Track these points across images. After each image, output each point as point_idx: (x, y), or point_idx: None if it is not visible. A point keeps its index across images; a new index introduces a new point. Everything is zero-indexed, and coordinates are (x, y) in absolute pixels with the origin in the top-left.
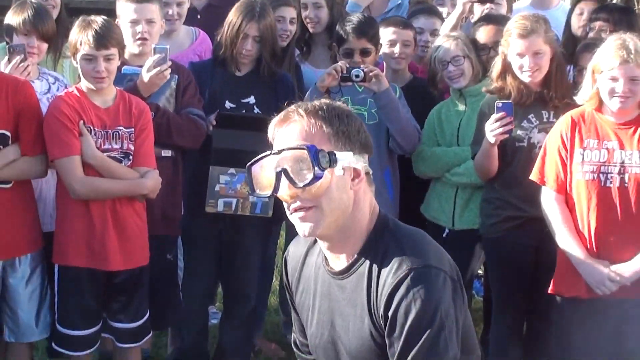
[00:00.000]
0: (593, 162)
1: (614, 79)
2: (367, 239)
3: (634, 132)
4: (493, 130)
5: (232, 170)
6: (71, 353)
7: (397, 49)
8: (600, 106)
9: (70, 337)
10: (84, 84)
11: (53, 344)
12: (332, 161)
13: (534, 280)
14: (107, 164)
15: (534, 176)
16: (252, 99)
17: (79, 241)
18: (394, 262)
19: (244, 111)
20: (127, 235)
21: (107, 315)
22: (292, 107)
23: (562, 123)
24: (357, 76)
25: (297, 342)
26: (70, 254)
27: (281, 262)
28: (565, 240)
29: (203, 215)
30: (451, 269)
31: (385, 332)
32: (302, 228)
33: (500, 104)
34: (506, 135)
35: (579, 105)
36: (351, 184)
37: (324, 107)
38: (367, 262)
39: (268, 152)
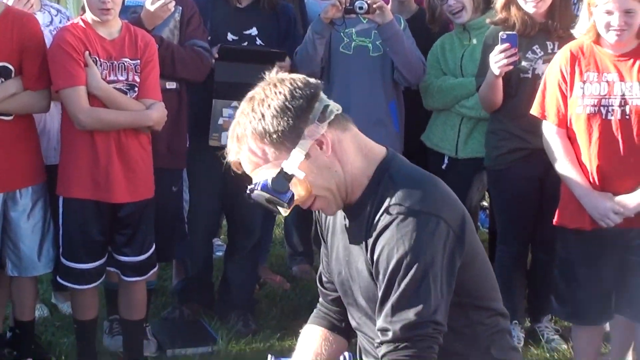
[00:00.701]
0: (593, 96)
1: (609, 13)
2: (369, 183)
3: (633, 63)
4: (497, 61)
5: (235, 103)
6: (76, 286)
7: None
8: (598, 39)
9: (75, 270)
10: (89, 16)
11: (58, 278)
12: (287, 177)
13: (538, 211)
14: (112, 95)
15: (534, 110)
16: (254, 31)
17: (83, 173)
18: (385, 207)
19: (246, 43)
20: (132, 167)
21: (112, 249)
22: (230, 130)
23: (561, 57)
24: (360, 8)
25: (322, 277)
26: (74, 186)
27: None
28: (568, 174)
29: (207, 149)
30: (452, 216)
31: (373, 272)
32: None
33: (505, 36)
34: (510, 67)
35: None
36: (321, 154)
37: (254, 115)
38: (368, 206)
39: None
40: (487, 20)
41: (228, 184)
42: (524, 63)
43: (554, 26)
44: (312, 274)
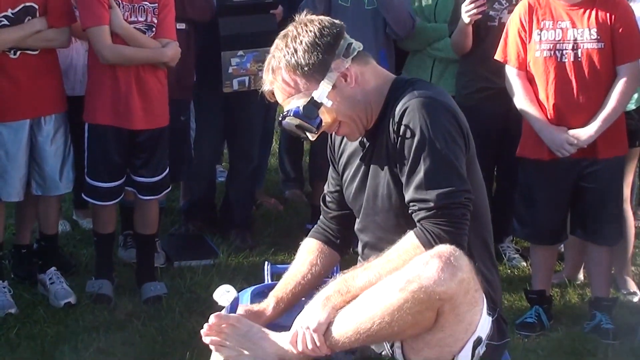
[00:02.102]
0: (549, 41)
1: None
2: (386, 98)
3: (584, 12)
4: (468, 11)
5: (240, 52)
6: (99, 202)
7: None
8: None
9: (98, 188)
10: None
11: (83, 195)
12: (316, 105)
13: (501, 144)
14: (132, 34)
15: (498, 56)
16: None
17: (106, 102)
18: (407, 95)
19: None
20: (149, 98)
21: (130, 171)
22: (266, 63)
23: (520, 7)
24: None
25: (326, 197)
26: (98, 114)
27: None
28: (528, 109)
29: (212, 84)
30: (463, 119)
31: (398, 161)
32: (346, 138)
33: None
34: (479, 16)
35: None
36: (346, 85)
37: (287, 50)
38: (388, 114)
39: (280, 119)
40: None
41: (229, 115)
42: (491, 13)
43: None
44: (302, 198)
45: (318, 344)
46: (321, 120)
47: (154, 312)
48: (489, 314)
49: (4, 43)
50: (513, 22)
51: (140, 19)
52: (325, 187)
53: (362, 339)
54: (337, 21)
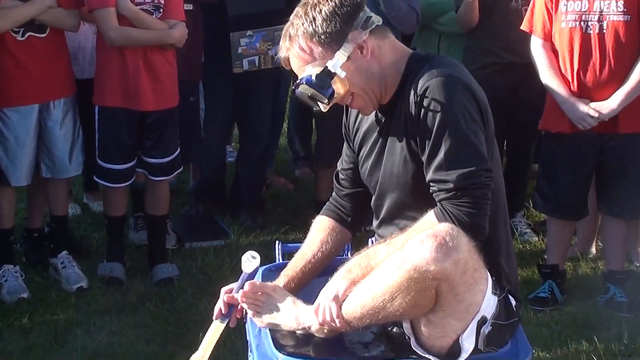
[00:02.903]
0: (575, 12)
1: None
2: (403, 74)
3: None
4: None
5: (249, 32)
6: (110, 185)
7: None
8: None
9: (110, 170)
10: None
11: (94, 177)
12: (330, 75)
13: (511, 119)
14: (139, 16)
15: (524, 26)
16: None
17: (115, 84)
18: (427, 74)
19: None
20: (158, 79)
21: (141, 152)
22: (284, 30)
23: None
24: None
25: (340, 174)
26: (107, 95)
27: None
28: (551, 82)
29: (222, 65)
30: (480, 90)
31: (418, 140)
32: (359, 112)
33: None
34: None
35: None
36: (361, 57)
37: (306, 17)
38: (406, 90)
39: (294, 87)
40: None
41: (239, 96)
42: None
43: None
44: (312, 176)
45: (335, 315)
46: (333, 91)
47: (165, 294)
48: (494, 294)
49: (17, 20)
50: None
51: (147, 0)
52: (339, 164)
53: (369, 317)
54: None
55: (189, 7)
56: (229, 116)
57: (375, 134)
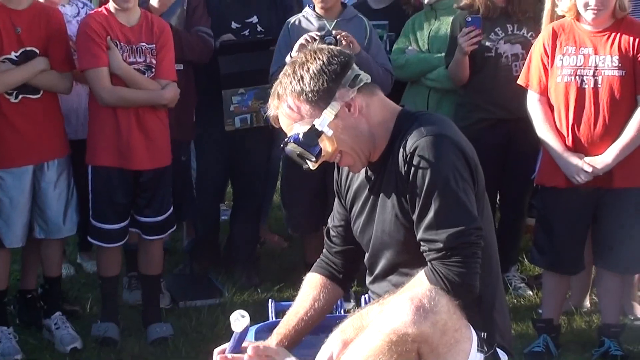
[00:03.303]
0: (571, 66)
1: None
2: (392, 133)
3: (607, 39)
4: (464, 41)
5: (241, 90)
6: (104, 244)
7: None
8: (578, 16)
9: (104, 230)
10: (112, 5)
11: (88, 237)
12: (317, 133)
13: (503, 174)
14: (132, 75)
15: (520, 81)
16: (255, 19)
17: (107, 144)
18: (416, 132)
19: (247, 30)
20: (150, 138)
21: (134, 211)
22: (273, 88)
23: (544, 33)
24: (329, 43)
25: (330, 231)
26: (101, 155)
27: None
28: (546, 136)
29: (214, 124)
30: (468, 147)
31: (409, 198)
32: (348, 169)
33: (470, 18)
34: (476, 46)
35: (541, 18)
36: (349, 115)
37: (294, 76)
38: (396, 148)
39: (282, 145)
40: (455, 5)
41: (233, 154)
42: (487, 43)
43: (513, 10)
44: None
45: None
46: (321, 149)
47: (160, 354)
48: (479, 351)
49: (9, 83)
50: (537, 48)
51: (139, 59)
52: (330, 221)
53: None
54: (346, 51)
55: (180, 67)
56: (222, 174)
57: (366, 191)
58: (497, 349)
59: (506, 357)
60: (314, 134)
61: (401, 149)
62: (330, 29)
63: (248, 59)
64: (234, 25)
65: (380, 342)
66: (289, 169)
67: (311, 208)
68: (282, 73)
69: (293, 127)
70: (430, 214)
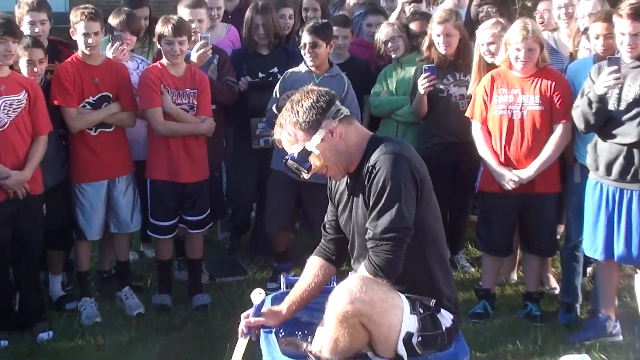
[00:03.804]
0: (504, 103)
1: (518, 50)
2: (364, 152)
3: (532, 83)
4: (422, 84)
5: (264, 119)
6: (160, 237)
7: (340, 41)
8: (511, 66)
9: (159, 226)
10: (165, 61)
11: (148, 231)
12: (308, 153)
13: (453, 184)
14: (179, 113)
15: (467, 113)
16: (275, 69)
17: (162, 163)
18: (378, 150)
19: (271, 78)
20: (193, 158)
21: (181, 212)
22: (277, 119)
23: (485, 78)
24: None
25: (326, 224)
26: (156, 172)
27: None
28: (485, 154)
29: (245, 150)
30: (418, 162)
31: (367, 196)
32: (332, 178)
33: (427, 67)
34: (431, 88)
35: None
36: (332, 139)
37: (292, 111)
38: (366, 163)
39: (284, 161)
40: (417, 59)
41: (261, 167)
42: (441, 86)
43: (459, 62)
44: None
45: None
46: (311, 164)
47: (202, 317)
48: (412, 314)
49: (90, 122)
50: (479, 89)
51: (184, 101)
52: (325, 217)
53: (340, 355)
54: (331, 91)
55: (213, 107)
56: (253, 187)
57: (346, 194)
58: (443, 310)
59: (451, 316)
60: (305, 154)
61: (366, 163)
62: (317, 82)
63: (268, 95)
64: (260, 75)
65: (333, 324)
66: (271, 181)
67: (284, 213)
68: (284, 108)
69: (291, 148)
70: (375, 211)
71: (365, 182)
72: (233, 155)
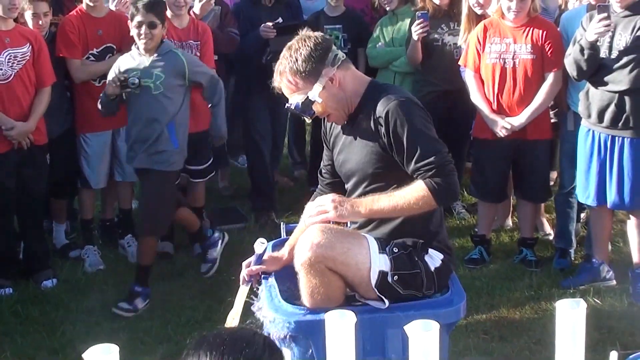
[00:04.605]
0: (496, 52)
1: (510, 0)
2: (362, 96)
3: (523, 32)
4: (416, 31)
5: None
6: None
7: None
8: (503, 15)
9: None
10: (169, 13)
11: None
12: (310, 102)
13: (448, 130)
14: None
15: (460, 62)
16: (280, 20)
17: None
18: (384, 99)
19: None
20: (195, 109)
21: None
22: (276, 66)
23: (478, 27)
24: None
25: (322, 169)
26: None
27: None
28: (478, 102)
29: (256, 94)
30: (424, 109)
31: (394, 147)
32: (334, 123)
33: (419, 14)
34: (424, 34)
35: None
36: (332, 86)
37: (291, 59)
38: (367, 108)
39: (286, 108)
40: (412, 9)
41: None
42: (435, 36)
43: (453, 12)
44: (307, 176)
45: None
46: (314, 112)
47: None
48: (381, 253)
49: (94, 73)
50: (472, 38)
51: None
52: (322, 163)
53: (328, 304)
54: (327, 36)
55: (215, 57)
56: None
57: (342, 137)
58: (431, 250)
59: (441, 256)
60: (309, 102)
61: (374, 112)
62: (148, 64)
63: (289, 41)
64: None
65: (303, 277)
66: None
67: None
68: (282, 55)
69: (292, 96)
70: (418, 151)
71: (384, 130)
72: (241, 107)
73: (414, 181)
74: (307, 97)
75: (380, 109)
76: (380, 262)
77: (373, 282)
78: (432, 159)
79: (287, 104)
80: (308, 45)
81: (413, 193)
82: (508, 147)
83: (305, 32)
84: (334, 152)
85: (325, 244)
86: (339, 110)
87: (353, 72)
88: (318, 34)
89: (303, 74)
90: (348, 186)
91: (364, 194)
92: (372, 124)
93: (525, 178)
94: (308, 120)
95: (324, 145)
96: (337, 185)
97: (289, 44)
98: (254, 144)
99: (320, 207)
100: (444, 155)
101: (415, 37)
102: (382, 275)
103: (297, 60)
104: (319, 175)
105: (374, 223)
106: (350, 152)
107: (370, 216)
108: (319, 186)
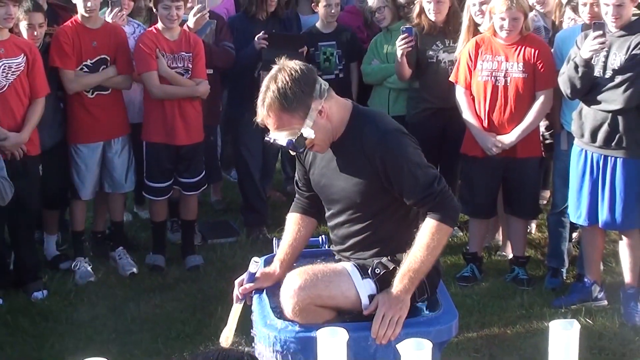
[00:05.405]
0: (488, 69)
1: (503, 19)
2: (347, 125)
3: (515, 50)
4: (400, 45)
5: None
6: (154, 198)
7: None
8: (495, 33)
9: (154, 188)
10: (159, 25)
11: (143, 193)
12: (304, 139)
13: (442, 147)
14: (174, 77)
15: (451, 78)
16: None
17: (157, 126)
18: (371, 131)
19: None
20: (188, 121)
21: (176, 174)
22: (260, 100)
23: (470, 44)
24: None
25: (298, 182)
26: (152, 134)
27: None
28: (469, 119)
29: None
30: (410, 135)
31: (392, 183)
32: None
33: (403, 29)
34: (409, 49)
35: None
36: (321, 118)
37: (278, 93)
38: (352, 136)
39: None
40: (403, 26)
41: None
42: (430, 52)
43: (448, 29)
44: None
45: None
46: (305, 146)
47: (195, 277)
48: (365, 278)
49: (87, 85)
50: (463, 54)
51: (179, 65)
52: (296, 176)
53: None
54: (310, 66)
55: (210, 71)
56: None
57: (323, 159)
58: None
59: None
60: (302, 140)
61: (362, 144)
62: None
63: (282, 53)
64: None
65: (299, 320)
66: None
67: None
68: (268, 90)
69: (278, 131)
70: (418, 184)
71: (378, 162)
72: (231, 120)
73: (420, 222)
74: (301, 134)
75: (370, 144)
76: (366, 287)
77: (363, 305)
78: (432, 188)
79: (268, 137)
80: (295, 79)
81: (428, 234)
82: (498, 164)
83: (286, 62)
84: (310, 171)
85: (307, 285)
86: (326, 141)
87: (337, 100)
88: (301, 64)
89: (292, 110)
90: (332, 210)
91: (348, 221)
92: (363, 158)
93: (515, 195)
94: (292, 153)
95: (297, 159)
96: (316, 197)
97: (273, 73)
98: (242, 160)
99: (390, 319)
100: (440, 180)
101: (399, 52)
102: (372, 298)
103: (285, 95)
104: (295, 187)
105: (349, 244)
106: (334, 179)
107: (416, 284)
108: (297, 197)
